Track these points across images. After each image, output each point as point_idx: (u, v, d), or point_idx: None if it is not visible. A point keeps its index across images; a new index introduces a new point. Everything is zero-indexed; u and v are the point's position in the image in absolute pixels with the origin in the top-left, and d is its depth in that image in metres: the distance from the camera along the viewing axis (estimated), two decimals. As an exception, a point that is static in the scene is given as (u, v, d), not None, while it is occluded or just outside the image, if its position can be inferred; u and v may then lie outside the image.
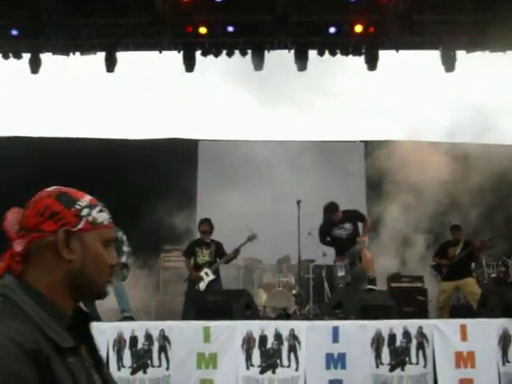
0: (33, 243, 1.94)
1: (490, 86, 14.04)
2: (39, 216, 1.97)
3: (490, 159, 13.02)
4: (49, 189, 2.06)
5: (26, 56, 12.68)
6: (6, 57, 12.68)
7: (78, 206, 2.01)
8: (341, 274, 9.86)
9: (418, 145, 13.75)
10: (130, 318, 9.36)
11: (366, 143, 15.77)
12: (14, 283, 1.90)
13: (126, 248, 9.93)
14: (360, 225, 10.25)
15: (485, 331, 7.57)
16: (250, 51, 12.69)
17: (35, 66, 12.65)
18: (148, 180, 14.61)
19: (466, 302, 10.93)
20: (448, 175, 13.15)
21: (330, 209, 10.14)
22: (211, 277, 10.30)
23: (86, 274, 1.97)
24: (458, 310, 10.62)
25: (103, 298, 2.08)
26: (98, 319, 9.57)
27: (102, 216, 2.06)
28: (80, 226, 1.98)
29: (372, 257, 9.78)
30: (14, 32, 12.14)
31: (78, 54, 12.92)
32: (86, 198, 2.07)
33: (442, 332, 7.51)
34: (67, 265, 1.95)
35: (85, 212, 2.01)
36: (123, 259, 9.85)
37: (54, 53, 12.80)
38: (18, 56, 12.67)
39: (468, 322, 7.63)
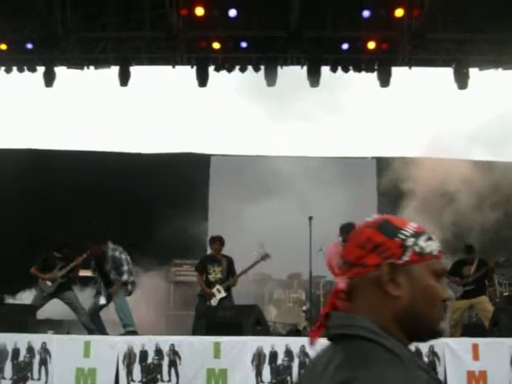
0: (355, 278, 1.81)
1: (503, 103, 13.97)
2: (361, 249, 1.82)
3: (504, 176, 12.98)
4: (369, 219, 1.91)
5: (41, 69, 12.77)
6: (20, 70, 12.78)
7: (402, 236, 1.83)
8: None
9: (432, 161, 13.71)
10: (134, 333, 9.31)
11: (378, 160, 15.74)
12: (373, 325, 1.73)
13: (125, 267, 9.88)
14: None
15: (497, 351, 7.51)
16: (262, 67, 12.73)
17: (49, 79, 12.72)
18: (160, 194, 14.64)
19: (478, 320, 10.84)
20: (462, 193, 13.11)
21: (347, 229, 10.04)
22: (223, 294, 10.28)
23: (416, 310, 1.79)
24: (469, 328, 10.54)
25: (437, 338, 1.89)
26: (104, 332, 9.61)
27: (431, 245, 1.85)
28: (406, 257, 1.80)
29: None
30: (29, 45, 12.23)
31: (92, 67, 13.02)
32: (411, 226, 1.87)
33: (454, 351, 7.45)
34: (394, 301, 1.78)
35: (410, 242, 1.82)
36: (124, 277, 9.81)
37: (69, 66, 12.89)
38: (32, 69, 12.76)
39: (480, 341, 7.57)
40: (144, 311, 10.96)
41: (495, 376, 7.41)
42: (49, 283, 10.16)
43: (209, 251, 11.34)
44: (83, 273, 10.83)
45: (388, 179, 13.89)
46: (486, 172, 13.18)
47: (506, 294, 12.46)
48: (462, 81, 12.75)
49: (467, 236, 12.81)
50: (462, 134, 13.51)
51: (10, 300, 11.82)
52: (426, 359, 7.40)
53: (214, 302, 10.28)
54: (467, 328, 10.58)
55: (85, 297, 10.64)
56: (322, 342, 1.82)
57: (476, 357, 7.43)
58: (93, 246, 10.04)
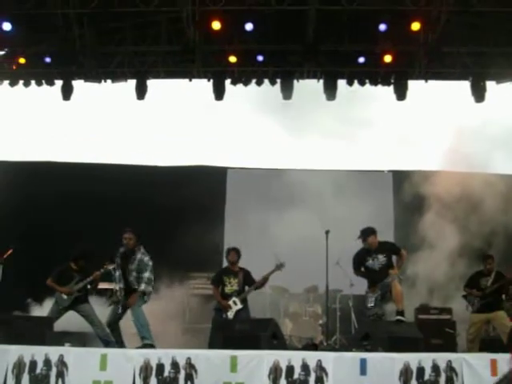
0: None
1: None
2: None
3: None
4: None
5: (59, 83, 12.89)
6: (39, 83, 12.92)
7: None
8: (370, 304, 9.77)
9: (448, 175, 13.67)
10: (151, 346, 9.26)
11: (395, 173, 15.71)
12: None
13: (147, 274, 9.68)
14: (395, 258, 10.11)
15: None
16: (279, 80, 12.77)
17: (67, 92, 12.85)
18: (177, 207, 14.68)
19: (496, 335, 10.75)
20: (480, 206, 13.06)
21: (368, 232, 10.04)
22: (239, 306, 10.27)
23: None
24: (487, 343, 10.45)
25: None
26: (122, 344, 9.60)
27: None
28: None
29: (402, 290, 9.63)
30: (47, 59, 12.37)
31: (109, 81, 13.13)
32: None
33: (472, 366, 7.38)
34: None
35: None
36: (142, 287, 9.61)
37: (86, 80, 13.02)
38: (50, 83, 12.90)
39: (499, 356, 7.48)
40: (160, 324, 10.95)
41: (514, 392, 7.34)
42: (65, 296, 10.17)
43: (225, 264, 11.34)
44: (101, 285, 10.84)
45: (405, 193, 13.87)
46: (505, 185, 13.16)
47: (523, 308, 12.35)
48: (479, 94, 12.73)
49: (489, 246, 12.78)
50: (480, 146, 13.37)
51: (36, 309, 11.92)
52: (443, 374, 7.35)
53: (230, 314, 10.27)
54: (485, 342, 10.52)
55: (101, 309, 10.63)
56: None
57: (494, 372, 7.35)
58: (129, 234, 9.94)
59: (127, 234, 9.87)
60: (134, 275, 9.70)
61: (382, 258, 9.85)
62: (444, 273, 13.16)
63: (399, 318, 9.24)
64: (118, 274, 9.84)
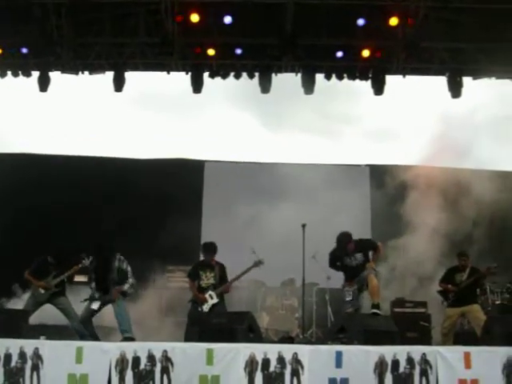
0: None
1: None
2: None
3: (498, 186, 13.06)
4: None
5: (35, 74, 12.77)
6: (15, 74, 12.77)
7: None
8: (348, 298, 9.84)
9: (425, 170, 13.78)
10: (131, 339, 9.32)
11: (372, 167, 15.80)
12: None
13: (131, 280, 9.92)
14: (371, 252, 10.15)
15: (489, 359, 7.51)
16: (257, 74, 12.76)
17: (44, 84, 12.72)
18: (154, 200, 14.66)
19: (470, 328, 10.87)
20: (453, 201, 13.17)
21: (344, 240, 10.02)
22: (215, 300, 10.27)
23: None
24: (461, 336, 10.57)
25: None
26: (96, 338, 9.59)
27: None
28: None
29: (378, 284, 9.70)
30: (24, 50, 12.24)
31: (86, 73, 13.02)
32: None
33: (446, 359, 7.45)
34: None
35: None
36: (125, 287, 9.83)
37: (63, 71, 12.89)
38: (27, 74, 12.75)
39: (472, 349, 7.57)
40: (137, 317, 10.93)
41: (487, 384, 7.43)
42: (42, 290, 10.12)
43: (202, 257, 11.33)
44: (78, 278, 10.79)
45: (382, 187, 13.96)
46: (479, 181, 13.28)
47: (498, 302, 12.49)
48: (455, 89, 12.81)
49: (459, 243, 12.90)
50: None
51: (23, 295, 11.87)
52: (418, 367, 7.42)
53: (206, 307, 10.26)
54: (459, 335, 10.65)
55: (78, 302, 10.59)
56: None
57: (468, 365, 7.43)
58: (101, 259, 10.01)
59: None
60: (116, 285, 9.87)
61: (359, 256, 9.93)
62: (420, 268, 13.28)
63: (374, 311, 9.32)
64: (92, 282, 9.95)
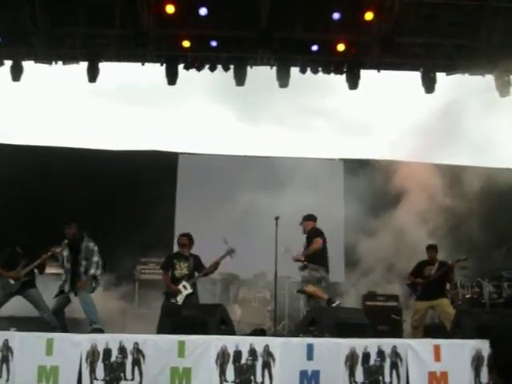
0: None
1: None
2: None
3: (471, 180, 13.21)
4: None
5: (8, 63, 12.63)
6: (-13, 63, 12.64)
7: None
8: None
9: (398, 164, 13.89)
10: (100, 331, 9.26)
11: (346, 161, 15.86)
12: None
13: (95, 258, 9.86)
14: None
15: (458, 352, 7.59)
16: (232, 66, 12.74)
17: (17, 73, 12.60)
18: (127, 191, 14.61)
19: (440, 322, 10.97)
20: (429, 195, 13.29)
21: (305, 217, 10.55)
22: (189, 290, 10.24)
23: None
24: (431, 330, 10.67)
25: None
26: (66, 329, 9.53)
27: None
28: None
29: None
30: (-3, 39, 12.12)
31: (60, 63, 12.90)
32: None
33: (416, 352, 7.51)
34: None
35: None
36: (92, 271, 9.80)
37: (37, 61, 12.77)
38: (-1, 63, 12.63)
39: (442, 342, 7.65)
40: (108, 309, 10.89)
41: (456, 377, 7.49)
42: (12, 281, 10.02)
43: (175, 249, 11.30)
44: (48, 270, 10.71)
45: (355, 181, 14.04)
46: (453, 175, 13.43)
47: (468, 296, 12.62)
48: (429, 85, 12.90)
49: (430, 236, 13.03)
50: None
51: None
52: (388, 359, 7.47)
53: (179, 298, 10.22)
54: (429, 329, 10.74)
55: (49, 294, 10.51)
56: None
57: (438, 358, 7.50)
58: (70, 228, 9.97)
59: (69, 226, 9.96)
60: (84, 263, 9.84)
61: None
62: (393, 260, 13.40)
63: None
64: (66, 266, 9.90)
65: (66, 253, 10.01)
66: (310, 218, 10.55)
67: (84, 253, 9.87)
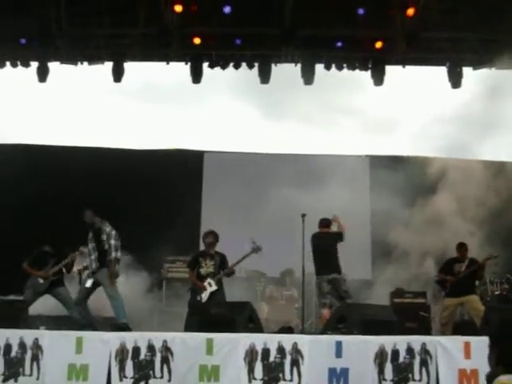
0: None
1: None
2: None
3: (496, 176, 13.03)
4: None
5: (34, 64, 12.74)
6: (14, 65, 12.75)
7: None
8: (345, 287, 10.00)
9: (424, 161, 13.75)
10: (126, 325, 9.30)
11: (372, 158, 15.77)
12: None
13: (112, 241, 9.88)
14: None
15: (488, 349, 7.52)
16: (256, 64, 12.73)
17: (43, 74, 12.71)
18: (153, 190, 14.64)
19: (470, 318, 10.87)
20: (456, 192, 13.14)
21: (321, 223, 10.92)
22: (214, 287, 10.25)
23: None
24: (461, 326, 10.58)
25: None
26: (93, 324, 9.59)
27: None
28: None
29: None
30: (23, 41, 12.22)
31: (85, 63, 12.99)
32: None
33: (446, 349, 7.46)
34: None
35: None
36: (112, 255, 9.81)
37: (62, 62, 12.87)
38: (25, 64, 12.73)
39: (472, 339, 7.57)
40: (137, 308, 10.94)
41: (486, 374, 7.43)
42: (41, 280, 10.11)
43: (202, 248, 11.32)
44: (75, 267, 10.80)
45: (381, 177, 13.94)
46: (479, 172, 13.26)
47: (497, 292, 12.49)
48: (455, 80, 12.79)
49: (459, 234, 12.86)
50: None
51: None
52: (418, 357, 7.42)
53: (204, 295, 10.24)
54: (458, 325, 10.65)
55: (73, 290, 10.58)
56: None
57: (468, 355, 7.43)
58: (88, 212, 10.11)
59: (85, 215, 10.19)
60: (107, 246, 9.91)
61: None
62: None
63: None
64: (91, 246, 10.01)
65: (90, 235, 10.09)
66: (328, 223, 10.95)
67: (106, 235, 9.95)
